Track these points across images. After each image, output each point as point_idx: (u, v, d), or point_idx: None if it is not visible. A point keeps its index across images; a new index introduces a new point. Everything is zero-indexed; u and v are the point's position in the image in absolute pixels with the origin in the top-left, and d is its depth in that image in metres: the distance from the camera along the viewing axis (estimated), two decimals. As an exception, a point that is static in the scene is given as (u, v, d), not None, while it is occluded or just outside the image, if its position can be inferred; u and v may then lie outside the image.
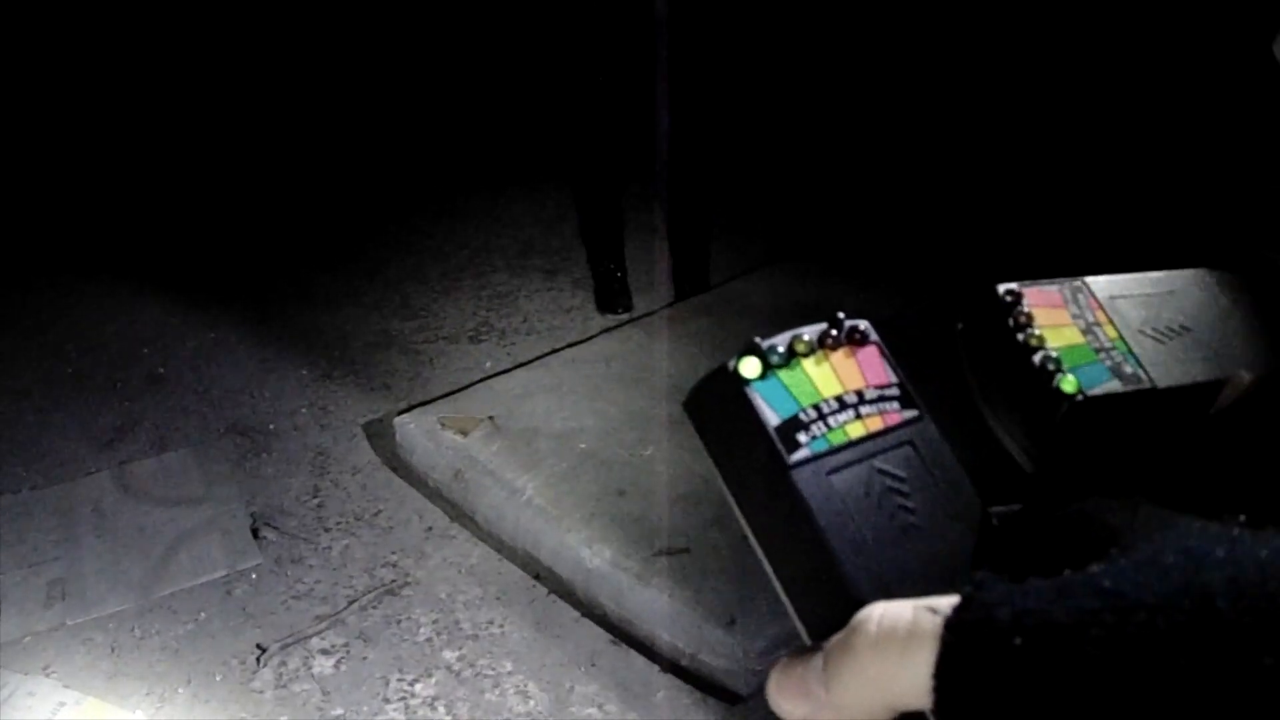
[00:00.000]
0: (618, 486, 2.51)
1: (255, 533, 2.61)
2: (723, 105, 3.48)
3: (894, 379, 0.41)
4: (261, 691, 2.19)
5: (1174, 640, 0.28)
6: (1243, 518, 0.32)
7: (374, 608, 2.39)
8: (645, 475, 2.54)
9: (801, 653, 0.36)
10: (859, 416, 0.39)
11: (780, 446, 0.38)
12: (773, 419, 0.38)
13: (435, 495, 2.72)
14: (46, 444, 2.94)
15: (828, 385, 0.40)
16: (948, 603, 0.32)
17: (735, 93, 4.04)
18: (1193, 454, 0.48)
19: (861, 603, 0.34)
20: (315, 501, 2.73)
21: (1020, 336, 0.47)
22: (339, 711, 2.14)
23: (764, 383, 0.39)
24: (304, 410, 3.08)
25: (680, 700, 2.16)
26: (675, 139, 3.34)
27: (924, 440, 0.40)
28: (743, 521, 0.40)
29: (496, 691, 2.18)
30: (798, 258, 3.80)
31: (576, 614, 2.37)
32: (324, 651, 2.29)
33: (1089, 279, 0.51)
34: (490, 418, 2.75)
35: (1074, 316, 0.49)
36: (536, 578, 2.47)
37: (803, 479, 0.37)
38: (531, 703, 2.16)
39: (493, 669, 2.24)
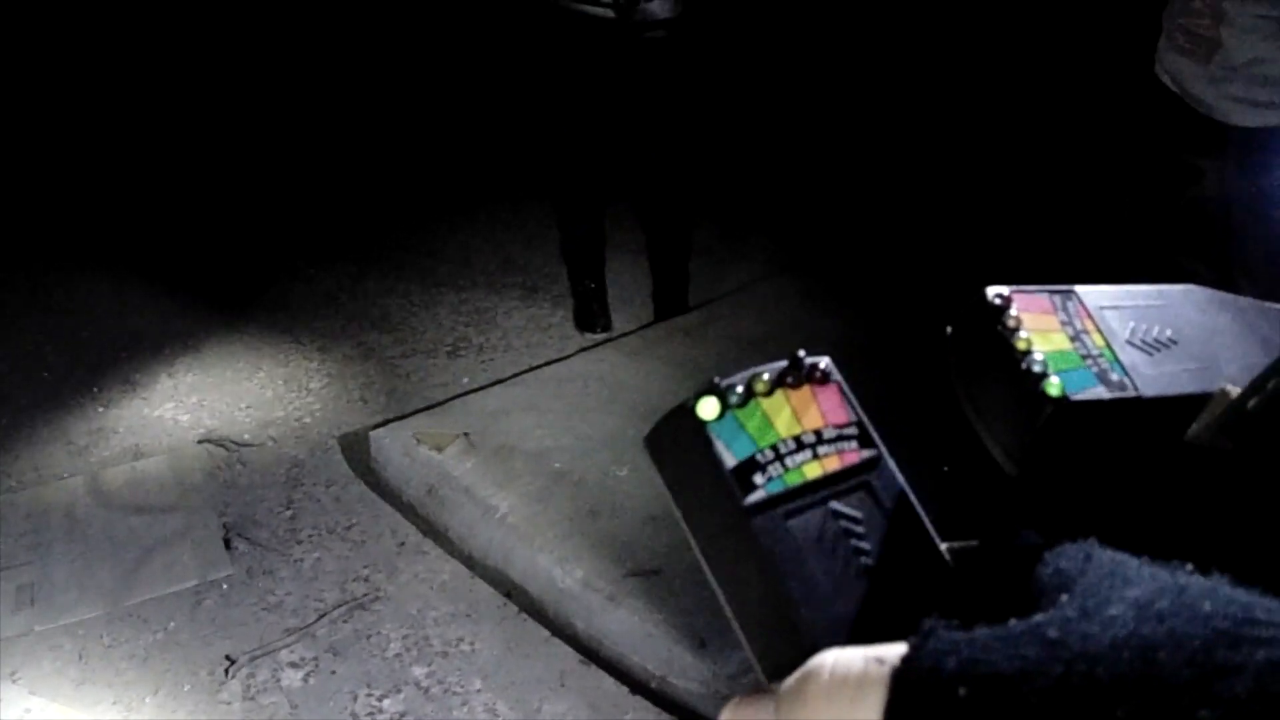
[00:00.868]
0: (591, 507, 2.53)
1: (227, 543, 2.61)
2: (700, 130, 3.51)
3: (853, 418, 0.41)
4: (229, 703, 2.19)
5: (1115, 692, 0.29)
6: (1190, 566, 0.33)
7: (344, 622, 2.40)
8: (619, 496, 2.56)
9: (754, 695, 0.37)
10: (816, 457, 0.39)
11: (736, 488, 0.38)
12: (729, 460, 0.38)
13: (409, 510, 2.73)
14: (21, 448, 2.93)
15: (786, 425, 0.39)
16: (896, 652, 0.33)
17: (712, 118, 4.09)
18: (1169, 473, 0.49)
19: (816, 648, 0.35)
20: (288, 513, 2.73)
21: (1008, 340, 0.47)
22: (307, 725, 2.14)
23: (721, 423, 0.38)
24: (279, 421, 3.08)
25: (648, 722, 2.18)
26: (654, 162, 3.37)
27: (881, 480, 0.40)
28: (701, 560, 0.40)
29: (465, 709, 2.19)
30: (777, 277, 3.84)
31: (547, 633, 2.38)
32: (293, 664, 2.29)
33: (1079, 288, 0.51)
34: (465, 434, 2.76)
35: (1062, 323, 0.49)
36: (508, 596, 2.48)
37: (758, 522, 0.37)
38: (499, 721, 2.17)
39: (461, 686, 2.24)
